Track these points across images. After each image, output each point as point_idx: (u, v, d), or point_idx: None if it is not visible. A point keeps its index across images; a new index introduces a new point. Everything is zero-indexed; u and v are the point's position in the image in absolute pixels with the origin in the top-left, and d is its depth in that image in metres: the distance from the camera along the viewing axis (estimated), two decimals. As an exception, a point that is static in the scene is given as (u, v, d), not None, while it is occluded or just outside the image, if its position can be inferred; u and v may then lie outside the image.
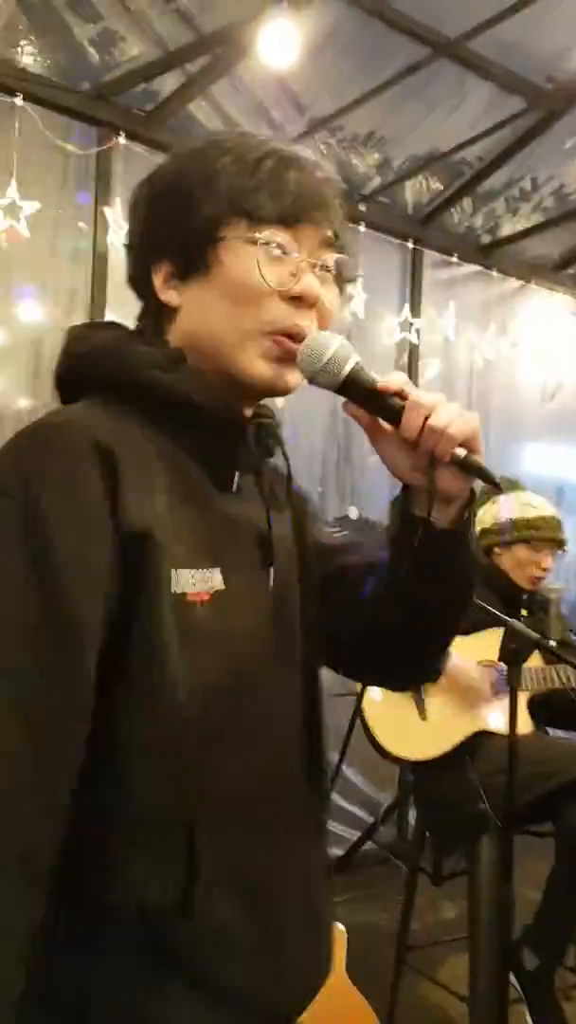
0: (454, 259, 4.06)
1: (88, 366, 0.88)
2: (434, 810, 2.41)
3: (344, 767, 3.62)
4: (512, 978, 2.01)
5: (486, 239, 4.15)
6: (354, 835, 3.30)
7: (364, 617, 0.95)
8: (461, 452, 0.84)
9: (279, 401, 3.65)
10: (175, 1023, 0.79)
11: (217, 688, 0.81)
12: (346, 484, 3.83)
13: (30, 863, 0.72)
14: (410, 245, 3.93)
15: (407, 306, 3.93)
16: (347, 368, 0.85)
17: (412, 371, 3.99)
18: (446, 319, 4.06)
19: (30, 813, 0.72)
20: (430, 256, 4.03)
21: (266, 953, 0.84)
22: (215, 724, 0.81)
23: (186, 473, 0.85)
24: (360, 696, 2.36)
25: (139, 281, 0.92)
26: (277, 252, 0.85)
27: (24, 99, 2.81)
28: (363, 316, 3.71)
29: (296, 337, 0.86)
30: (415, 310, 3.95)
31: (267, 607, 0.88)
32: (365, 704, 2.35)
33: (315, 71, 2.93)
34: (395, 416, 0.85)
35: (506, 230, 4.13)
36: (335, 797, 3.59)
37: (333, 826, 3.56)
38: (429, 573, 0.89)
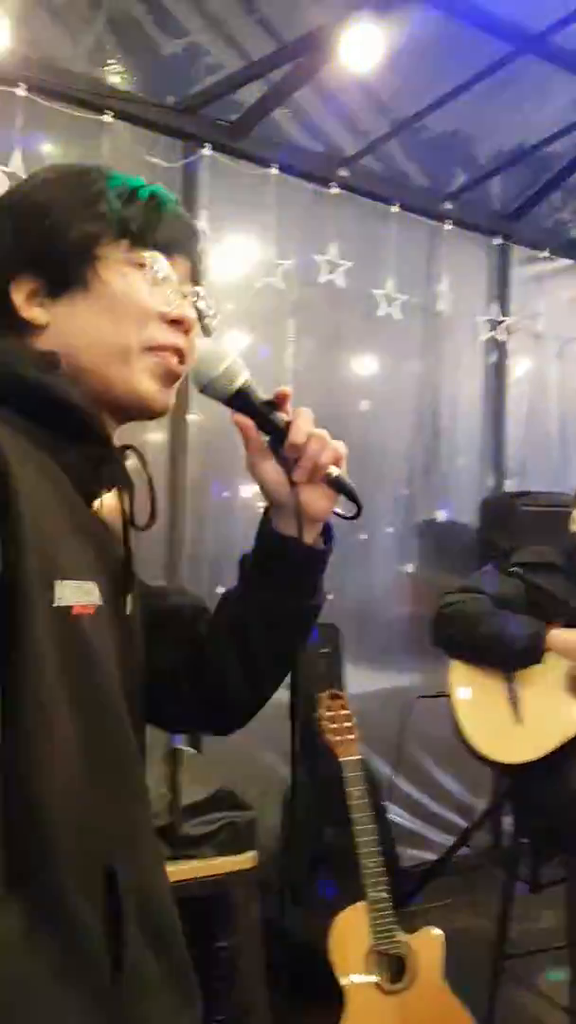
0: (544, 254, 3.98)
1: None
2: (532, 816, 2.37)
3: (436, 771, 3.59)
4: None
5: (576, 232, 4.07)
6: (448, 840, 3.27)
7: (198, 653, 0.96)
8: (334, 471, 0.90)
9: (362, 404, 3.63)
10: None
11: (97, 710, 0.78)
12: (435, 487, 3.80)
13: None
14: (496, 242, 3.87)
15: (496, 304, 3.88)
16: (239, 382, 0.90)
17: (501, 369, 3.94)
18: (536, 315, 3.99)
19: None
20: (519, 252, 3.96)
21: (169, 986, 0.80)
22: (98, 755, 0.77)
23: (59, 482, 0.81)
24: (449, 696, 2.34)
25: None
26: (159, 276, 0.87)
27: (112, 116, 2.89)
28: (450, 314, 3.68)
29: (167, 354, 0.87)
30: (504, 307, 3.89)
31: (123, 633, 0.85)
32: (456, 705, 2.33)
33: (397, 73, 2.92)
34: (278, 431, 0.90)
35: (597, 223, 4.03)
36: (428, 803, 3.58)
37: (427, 831, 3.54)
38: (286, 591, 0.92)
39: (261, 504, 0.97)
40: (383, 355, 3.64)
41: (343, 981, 1.92)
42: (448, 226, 3.66)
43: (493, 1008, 2.34)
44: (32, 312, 0.85)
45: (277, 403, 0.92)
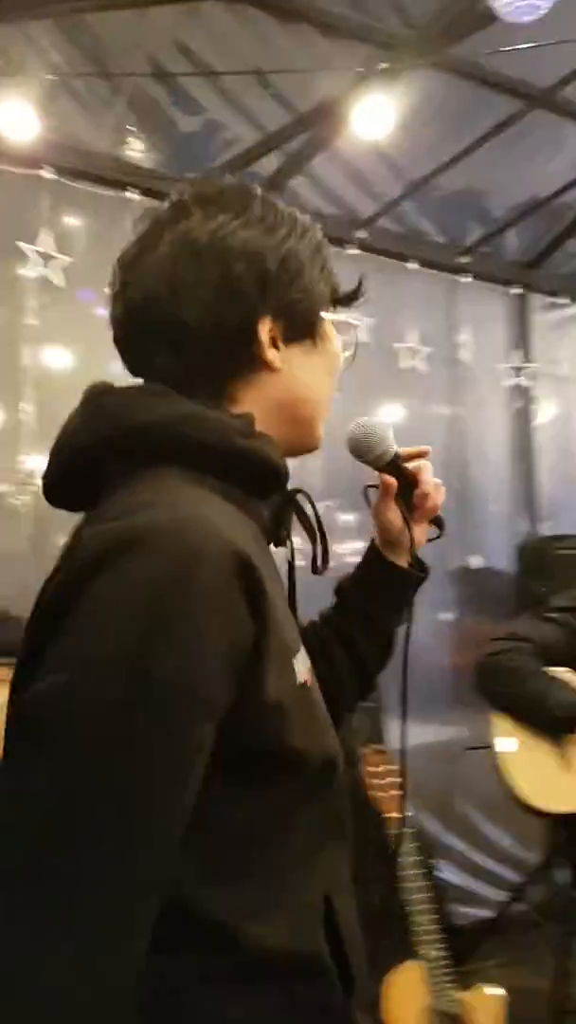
0: (563, 300, 4.03)
1: (163, 433, 0.79)
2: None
3: (485, 824, 3.52)
4: None
5: (594, 278, 4.12)
6: (500, 895, 3.19)
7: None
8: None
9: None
10: None
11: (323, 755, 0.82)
12: (468, 534, 3.79)
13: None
14: (514, 291, 3.93)
15: (518, 351, 3.92)
16: (392, 453, 1.06)
17: (527, 414, 3.96)
18: (558, 360, 4.02)
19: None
20: (538, 299, 4.02)
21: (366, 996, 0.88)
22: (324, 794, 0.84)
23: (264, 546, 0.83)
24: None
25: (226, 332, 0.84)
26: (350, 339, 0.98)
27: (135, 192, 3.01)
28: (473, 363, 3.73)
29: None
30: (527, 354, 3.93)
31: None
32: (502, 755, 2.30)
33: (409, 135, 3.01)
34: (411, 484, 1.08)
35: (613, 268, 4.08)
36: (478, 858, 3.50)
37: (479, 887, 3.45)
38: (389, 609, 1.10)
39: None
40: (410, 406, 3.68)
41: (401, 1045, 1.87)
42: (466, 279, 3.72)
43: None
44: (271, 354, 0.87)
45: (405, 457, 1.09)
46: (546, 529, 3.94)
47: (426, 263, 3.63)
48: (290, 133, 3.00)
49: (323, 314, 0.92)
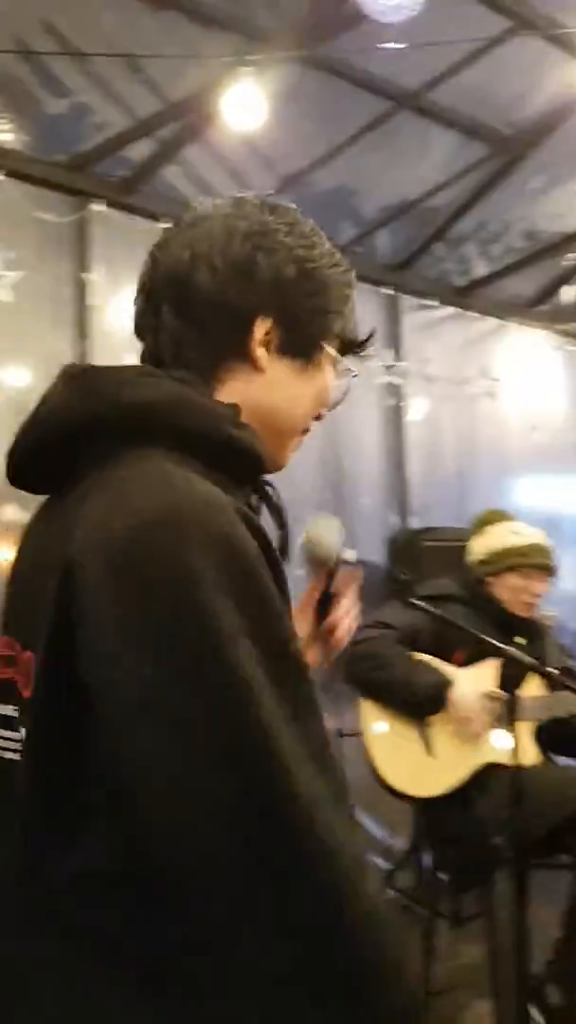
0: (432, 303, 4.15)
1: (154, 415, 0.80)
2: (447, 848, 2.38)
3: (358, 814, 3.57)
4: (538, 1015, 1.96)
5: (461, 282, 4.25)
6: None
7: None
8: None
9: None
10: None
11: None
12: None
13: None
14: (385, 291, 4.02)
15: (390, 350, 4.01)
16: (345, 554, 1.10)
17: (398, 412, 4.05)
18: (428, 360, 4.13)
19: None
20: (408, 301, 4.12)
21: None
22: None
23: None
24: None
25: (224, 313, 0.87)
26: (343, 386, 0.97)
27: (4, 174, 2.91)
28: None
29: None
30: (397, 353, 4.02)
31: None
32: (370, 741, 2.34)
33: (282, 130, 3.03)
34: (330, 601, 1.11)
35: (480, 271, 4.23)
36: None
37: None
38: None
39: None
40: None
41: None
42: (339, 277, 3.78)
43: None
44: (260, 352, 0.88)
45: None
46: (415, 523, 4.05)
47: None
48: (161, 120, 2.96)
49: (327, 347, 0.92)
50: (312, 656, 1.07)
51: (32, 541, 0.87)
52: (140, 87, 2.91)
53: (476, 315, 4.35)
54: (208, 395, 0.85)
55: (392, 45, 2.57)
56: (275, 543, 0.85)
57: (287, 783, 0.65)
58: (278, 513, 0.93)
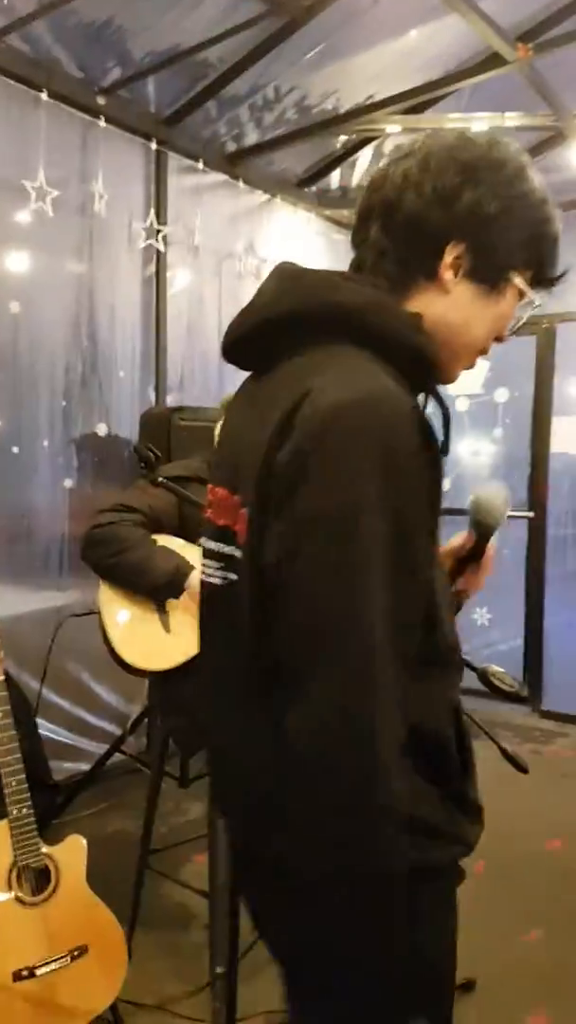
0: (200, 166, 3.96)
1: (350, 315, 0.94)
2: (175, 715, 2.46)
3: (92, 683, 3.61)
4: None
5: (231, 147, 4.08)
6: (103, 749, 3.31)
7: None
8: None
9: (12, 305, 3.43)
10: (471, 831, 1.07)
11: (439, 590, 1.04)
12: (94, 400, 3.70)
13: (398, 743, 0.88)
14: (154, 146, 3.78)
15: (152, 211, 3.80)
16: (498, 527, 1.23)
17: (160, 280, 3.89)
18: (193, 228, 3.98)
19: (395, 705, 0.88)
20: (176, 160, 3.90)
21: (475, 788, 1.10)
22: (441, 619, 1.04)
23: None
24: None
25: (421, 234, 1.00)
26: (521, 306, 1.06)
27: None
28: (106, 216, 3.55)
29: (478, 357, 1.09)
30: (160, 216, 3.83)
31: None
32: (108, 625, 2.33)
33: None
34: (479, 557, 1.27)
35: (251, 140, 4.08)
36: (84, 715, 3.60)
37: (84, 743, 3.56)
38: None
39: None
40: (35, 254, 3.43)
41: (-17, 901, 1.88)
42: (102, 123, 3.49)
43: (138, 903, 2.45)
44: (448, 275, 1.01)
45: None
46: (172, 400, 3.98)
47: (60, 97, 3.33)
48: None
49: (515, 278, 1.03)
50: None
51: (236, 416, 1.09)
52: None
53: (245, 187, 4.22)
54: (399, 303, 1.00)
55: None
56: (443, 442, 1.01)
57: (362, 633, 0.84)
58: (446, 418, 1.03)
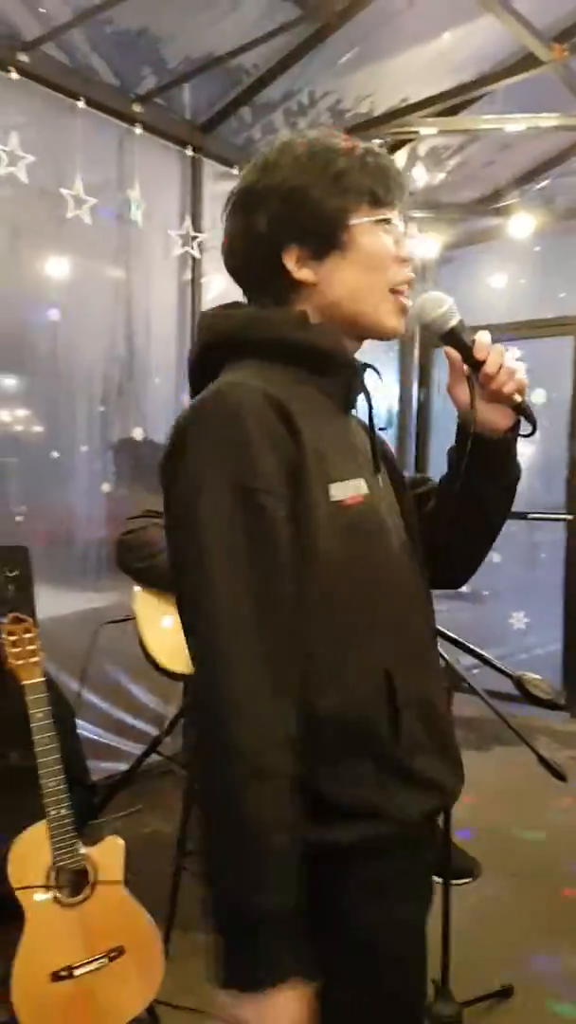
0: (236, 172, 3.98)
1: (235, 336, 1.08)
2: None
3: (130, 685, 3.64)
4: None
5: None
6: (140, 749, 3.34)
7: (437, 523, 1.23)
8: (518, 398, 1.15)
9: (51, 313, 3.44)
10: (394, 804, 1.03)
11: (368, 563, 1.06)
12: (130, 405, 3.73)
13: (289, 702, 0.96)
14: (189, 153, 3.80)
15: (188, 218, 3.83)
16: (453, 322, 1.14)
17: (195, 287, 3.92)
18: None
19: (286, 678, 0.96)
20: (211, 167, 3.93)
21: (437, 751, 1.10)
22: (370, 591, 1.06)
23: (323, 405, 1.08)
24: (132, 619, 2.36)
25: (263, 266, 1.09)
26: (390, 227, 1.10)
27: None
28: (143, 224, 3.58)
29: (403, 292, 1.11)
30: (196, 223, 3.85)
31: (388, 501, 1.15)
32: (142, 626, 2.36)
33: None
34: (477, 363, 1.13)
35: (286, 144, 4.09)
36: (121, 715, 3.63)
37: (121, 743, 3.59)
38: (485, 471, 1.19)
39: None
40: (73, 262, 3.47)
41: (23, 900, 1.91)
42: (138, 130, 3.52)
43: (175, 904, 2.46)
44: (303, 274, 1.09)
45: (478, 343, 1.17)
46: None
47: (96, 105, 3.37)
48: None
49: (353, 224, 1.07)
50: (495, 412, 1.16)
51: None
52: None
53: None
54: (282, 312, 1.09)
55: None
56: (369, 417, 1.15)
57: (209, 594, 0.96)
58: (365, 392, 1.14)
